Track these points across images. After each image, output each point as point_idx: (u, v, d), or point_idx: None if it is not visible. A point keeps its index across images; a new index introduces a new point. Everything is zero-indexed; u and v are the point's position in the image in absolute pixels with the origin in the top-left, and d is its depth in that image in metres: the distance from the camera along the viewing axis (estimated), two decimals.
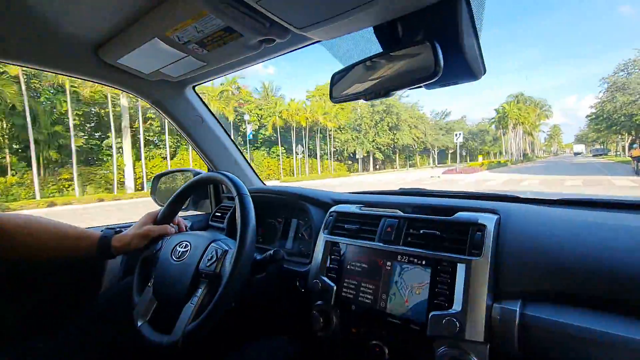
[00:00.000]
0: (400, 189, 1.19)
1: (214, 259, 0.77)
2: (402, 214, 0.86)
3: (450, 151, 60.71)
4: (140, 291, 0.87)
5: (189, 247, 0.83)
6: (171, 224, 0.98)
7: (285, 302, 0.99)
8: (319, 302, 0.85)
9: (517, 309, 0.59)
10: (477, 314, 0.62)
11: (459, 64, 0.66)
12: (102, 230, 0.91)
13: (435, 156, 58.13)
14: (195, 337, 0.68)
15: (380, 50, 0.73)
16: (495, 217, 0.72)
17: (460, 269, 0.67)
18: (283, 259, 0.84)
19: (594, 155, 61.29)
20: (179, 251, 0.84)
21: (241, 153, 1.42)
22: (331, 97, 0.83)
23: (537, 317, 0.57)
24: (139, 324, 0.80)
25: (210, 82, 1.20)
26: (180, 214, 1.06)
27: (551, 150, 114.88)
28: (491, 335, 0.61)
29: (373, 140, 44.24)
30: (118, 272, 1.10)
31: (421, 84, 0.65)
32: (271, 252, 0.82)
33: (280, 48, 0.88)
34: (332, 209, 1.00)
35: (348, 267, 0.85)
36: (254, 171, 1.47)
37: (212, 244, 0.81)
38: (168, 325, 0.73)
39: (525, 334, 0.58)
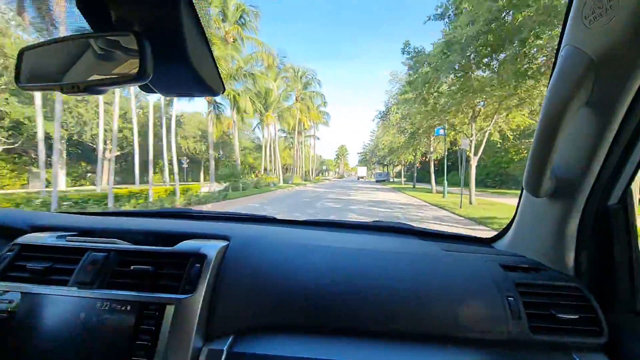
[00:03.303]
0: (141, 209, 1.01)
1: None
2: (116, 245, 0.69)
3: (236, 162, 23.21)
4: None
5: None
6: None
7: None
8: None
9: (225, 348, 0.55)
10: None
11: (188, 75, 0.57)
12: None
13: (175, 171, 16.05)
14: None
15: (88, 30, 0.55)
16: (223, 244, 0.67)
17: (169, 311, 0.57)
18: None
19: (377, 181, 47.47)
20: None
21: None
22: (16, 81, 0.57)
23: (244, 354, 0.54)
24: None
25: None
26: None
27: (337, 171, 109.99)
28: None
29: None
30: None
31: (129, 85, 0.52)
32: None
33: None
34: (18, 239, 0.69)
35: (18, 329, 0.58)
36: None
37: None
38: None
39: None
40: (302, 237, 0.78)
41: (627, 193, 0.69)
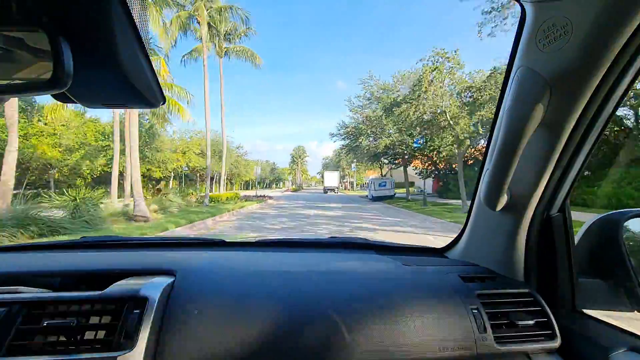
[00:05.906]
0: (82, 238, 0.87)
1: None
2: (20, 295, 0.54)
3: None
4: None
5: None
6: None
7: None
8: None
9: None
10: None
11: (116, 83, 0.49)
12: None
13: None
14: None
15: None
16: (167, 281, 0.57)
17: None
18: None
19: (375, 198, 23.12)
20: None
21: None
22: None
23: None
24: None
25: None
26: None
27: (290, 179, 79.74)
28: None
29: None
30: None
31: (41, 93, 0.43)
32: None
33: None
34: None
35: None
36: None
37: None
38: None
39: None
40: (256, 263, 0.71)
41: (565, 203, 0.75)
